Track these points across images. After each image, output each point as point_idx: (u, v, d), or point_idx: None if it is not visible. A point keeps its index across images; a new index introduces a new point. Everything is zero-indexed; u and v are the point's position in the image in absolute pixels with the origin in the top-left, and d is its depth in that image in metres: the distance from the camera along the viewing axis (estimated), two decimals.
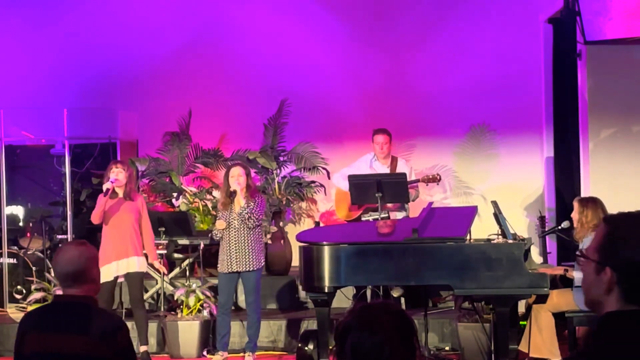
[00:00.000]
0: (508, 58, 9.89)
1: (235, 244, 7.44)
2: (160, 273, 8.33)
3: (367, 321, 2.32)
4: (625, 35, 8.06)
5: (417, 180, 8.50)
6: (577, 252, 2.32)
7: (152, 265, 8.00)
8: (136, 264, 7.47)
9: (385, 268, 6.57)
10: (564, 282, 7.11)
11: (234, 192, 7.43)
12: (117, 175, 7.44)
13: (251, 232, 7.43)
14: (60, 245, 9.48)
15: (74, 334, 3.52)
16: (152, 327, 8.23)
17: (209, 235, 8.15)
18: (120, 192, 7.52)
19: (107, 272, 7.40)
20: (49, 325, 3.58)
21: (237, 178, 7.44)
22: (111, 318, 3.72)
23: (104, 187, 7.44)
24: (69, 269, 3.60)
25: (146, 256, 7.76)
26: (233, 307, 8.25)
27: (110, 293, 7.51)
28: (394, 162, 8.63)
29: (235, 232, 7.45)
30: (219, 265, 7.58)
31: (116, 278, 7.50)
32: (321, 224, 9.89)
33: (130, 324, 7.85)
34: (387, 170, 8.50)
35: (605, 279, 2.14)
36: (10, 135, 9.73)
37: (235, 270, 7.45)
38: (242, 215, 7.38)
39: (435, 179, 8.46)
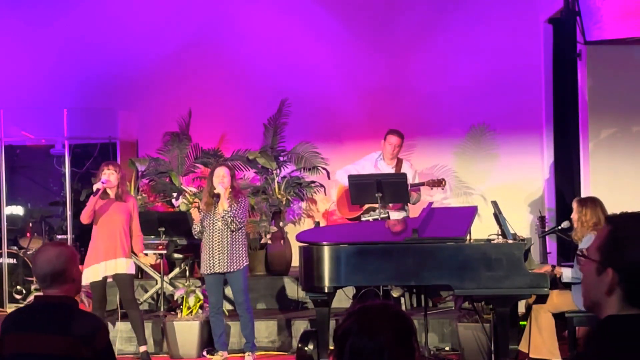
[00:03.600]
0: (508, 58, 9.89)
1: (219, 245, 7.43)
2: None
3: (367, 325, 2.31)
4: (624, 35, 8.06)
5: (422, 184, 8.50)
6: (578, 252, 2.29)
7: (138, 259, 7.94)
8: (124, 266, 7.45)
9: (385, 268, 6.57)
10: (564, 283, 7.11)
11: (218, 194, 7.43)
12: (108, 177, 7.43)
13: (233, 233, 7.43)
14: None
15: (53, 334, 3.51)
16: (152, 327, 8.24)
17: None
18: (111, 193, 7.51)
19: (95, 272, 7.38)
20: (28, 326, 3.57)
21: (221, 179, 7.43)
22: (90, 318, 3.70)
23: (94, 187, 7.45)
24: (48, 269, 3.58)
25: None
26: (232, 307, 8.26)
27: (102, 293, 7.49)
28: (399, 163, 8.64)
29: (218, 233, 7.44)
30: (201, 267, 7.58)
31: (105, 278, 7.47)
32: (321, 224, 9.89)
33: (127, 325, 7.93)
34: (391, 171, 8.50)
35: (606, 280, 2.10)
36: (10, 135, 9.73)
37: (217, 272, 7.44)
38: (224, 218, 7.38)
39: (440, 184, 8.47)
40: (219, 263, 7.43)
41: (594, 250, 2.14)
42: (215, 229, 7.45)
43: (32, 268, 3.90)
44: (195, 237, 7.74)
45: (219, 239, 7.44)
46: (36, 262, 3.64)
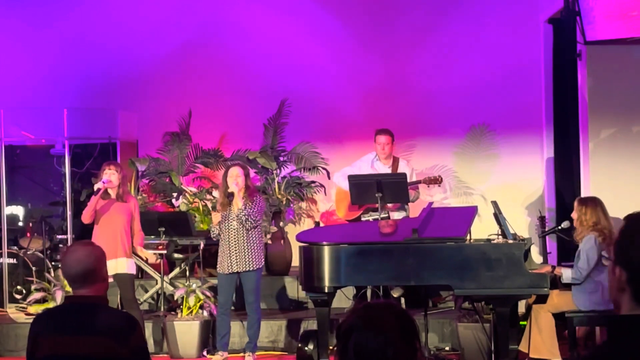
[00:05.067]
0: (508, 58, 9.89)
1: (235, 244, 7.44)
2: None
3: (372, 321, 2.31)
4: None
5: (419, 182, 8.51)
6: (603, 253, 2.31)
7: (136, 254, 7.90)
8: (125, 266, 7.44)
9: (385, 268, 6.57)
10: (564, 283, 7.11)
11: (232, 193, 7.42)
12: (109, 176, 7.43)
13: (250, 232, 7.43)
14: (60, 245, 9.55)
15: (87, 335, 3.49)
16: (152, 327, 8.24)
17: (210, 234, 8.15)
18: (112, 193, 7.51)
19: None
20: (62, 328, 3.54)
21: (235, 178, 7.43)
22: (125, 317, 3.69)
23: (95, 187, 7.44)
24: (79, 269, 3.56)
25: (138, 256, 7.76)
26: (233, 307, 8.26)
27: None
28: (395, 162, 8.64)
29: (234, 232, 7.45)
30: (218, 266, 7.59)
31: None
32: (321, 224, 9.89)
33: None
34: (388, 171, 8.50)
35: (617, 278, 2.11)
36: (10, 135, 9.73)
37: (235, 271, 7.45)
38: (239, 217, 7.38)
39: (436, 181, 8.47)
40: (236, 263, 7.42)
41: (613, 249, 2.16)
42: (231, 228, 7.45)
43: (61, 268, 3.86)
44: (214, 239, 7.75)
45: (235, 239, 7.44)
46: (66, 262, 3.61)
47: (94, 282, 3.59)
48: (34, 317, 3.80)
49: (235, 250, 7.43)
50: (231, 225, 7.46)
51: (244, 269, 7.43)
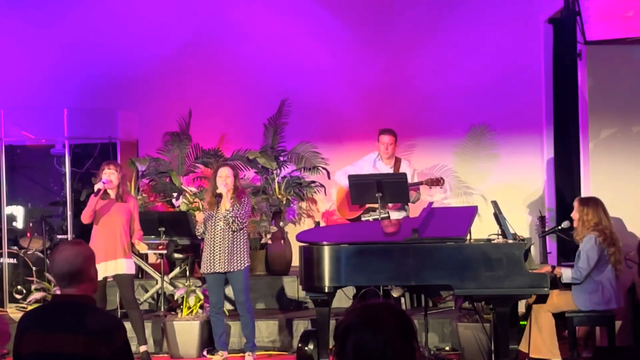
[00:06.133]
0: (508, 58, 9.89)
1: (220, 244, 7.44)
2: (140, 254, 8.26)
3: (370, 321, 2.31)
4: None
5: (420, 183, 8.51)
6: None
7: (134, 246, 7.87)
8: (124, 266, 7.44)
9: (385, 268, 6.57)
10: (564, 283, 7.11)
11: (220, 194, 7.43)
12: (109, 176, 7.42)
13: (235, 233, 7.43)
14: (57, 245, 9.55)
15: (72, 333, 3.50)
16: (152, 327, 8.24)
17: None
18: (112, 194, 7.50)
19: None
20: (48, 325, 3.56)
21: (224, 179, 7.43)
22: (108, 317, 3.72)
23: (95, 187, 7.44)
24: (66, 268, 3.58)
25: (139, 256, 7.75)
26: (233, 307, 8.26)
27: (102, 293, 7.48)
28: (397, 162, 8.64)
29: (220, 233, 7.45)
30: (202, 266, 7.58)
31: (105, 278, 7.46)
32: (322, 224, 9.89)
33: (127, 325, 7.93)
34: (390, 171, 8.51)
35: None
36: (10, 135, 9.73)
37: (218, 271, 7.44)
38: (226, 218, 7.38)
39: (438, 182, 8.47)
40: (219, 263, 7.43)
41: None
42: (217, 228, 7.45)
43: (49, 267, 3.90)
44: (199, 237, 7.77)
45: (220, 239, 7.44)
46: (54, 261, 3.64)
47: (81, 282, 3.60)
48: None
49: (219, 251, 7.44)
50: (217, 225, 7.46)
51: (228, 270, 7.43)
